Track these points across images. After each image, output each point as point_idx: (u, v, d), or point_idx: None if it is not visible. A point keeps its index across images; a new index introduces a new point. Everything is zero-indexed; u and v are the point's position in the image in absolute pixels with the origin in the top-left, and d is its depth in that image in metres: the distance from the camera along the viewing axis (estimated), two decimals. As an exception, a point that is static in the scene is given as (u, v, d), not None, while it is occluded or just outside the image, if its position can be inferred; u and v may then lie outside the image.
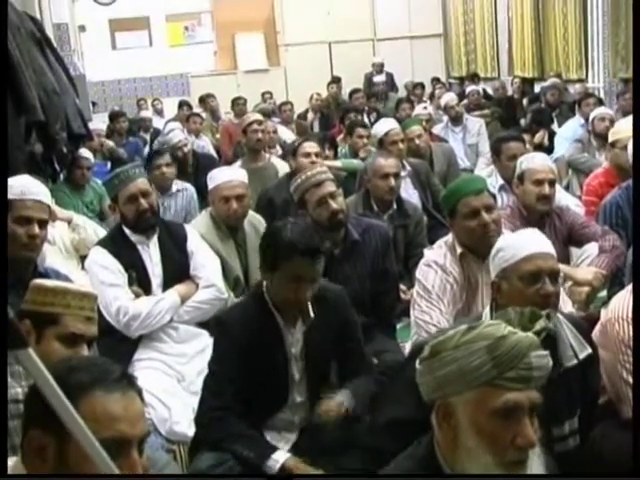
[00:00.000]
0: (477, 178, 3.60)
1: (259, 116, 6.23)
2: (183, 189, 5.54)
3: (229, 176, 4.09)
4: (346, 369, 2.88)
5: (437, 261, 3.14)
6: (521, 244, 2.37)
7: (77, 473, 1.47)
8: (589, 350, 2.30)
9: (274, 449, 2.65)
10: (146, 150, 9.19)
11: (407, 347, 3.37)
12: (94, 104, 11.93)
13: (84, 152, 5.80)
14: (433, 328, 2.95)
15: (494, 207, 3.16)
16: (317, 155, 5.08)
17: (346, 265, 3.57)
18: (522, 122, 9.08)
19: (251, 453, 2.61)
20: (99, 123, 8.47)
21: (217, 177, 4.10)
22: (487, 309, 2.43)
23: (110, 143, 7.88)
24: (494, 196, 3.28)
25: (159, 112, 11.95)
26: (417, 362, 1.76)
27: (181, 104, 10.66)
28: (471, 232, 3.09)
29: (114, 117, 9.17)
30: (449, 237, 3.23)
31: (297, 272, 2.63)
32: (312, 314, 2.71)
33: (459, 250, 3.13)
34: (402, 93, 12.21)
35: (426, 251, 3.33)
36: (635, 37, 4.87)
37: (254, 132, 5.81)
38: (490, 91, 10.96)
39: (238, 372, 2.67)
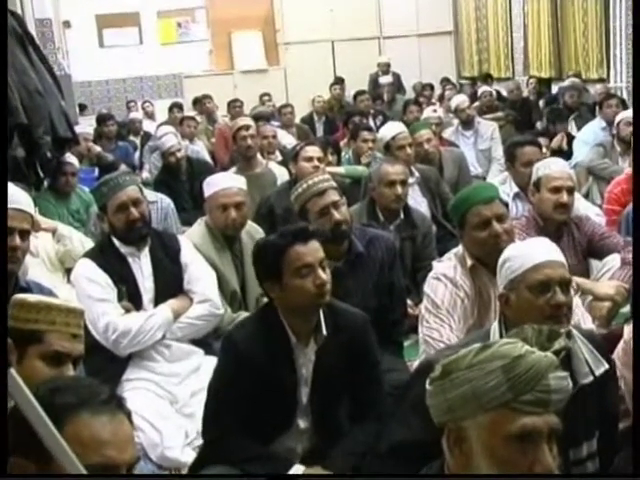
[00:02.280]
0: (488, 185, 3.61)
1: (248, 121, 6.23)
2: (158, 201, 5.38)
3: (227, 183, 4.11)
4: (359, 401, 2.86)
5: (447, 274, 3.15)
6: (528, 253, 2.39)
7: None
8: (606, 366, 2.30)
9: (290, 464, 2.67)
10: (136, 155, 9.23)
11: (415, 366, 3.36)
12: (80, 106, 11.98)
13: (69, 157, 5.80)
14: (442, 345, 2.95)
15: (506, 216, 3.17)
16: (319, 160, 5.10)
17: (350, 279, 3.57)
18: (538, 125, 9.09)
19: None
20: (86, 126, 8.50)
21: (214, 184, 4.11)
22: (495, 323, 2.43)
23: (98, 148, 7.90)
24: (507, 205, 3.28)
25: (150, 115, 11.98)
26: (427, 382, 1.76)
27: (171, 107, 10.66)
28: (482, 243, 3.09)
29: (102, 120, 9.19)
30: (459, 249, 3.24)
31: (303, 261, 2.63)
32: (325, 332, 2.71)
33: (470, 262, 3.14)
34: (410, 95, 12.22)
35: (435, 263, 3.34)
36: (635, 37, 4.95)
37: (243, 139, 5.83)
38: (504, 92, 10.97)
39: (243, 393, 2.67)
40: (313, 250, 2.67)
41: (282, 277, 2.65)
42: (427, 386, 1.76)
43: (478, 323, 3.12)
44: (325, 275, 2.66)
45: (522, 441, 1.62)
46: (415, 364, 3.41)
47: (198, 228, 4.12)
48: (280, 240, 2.70)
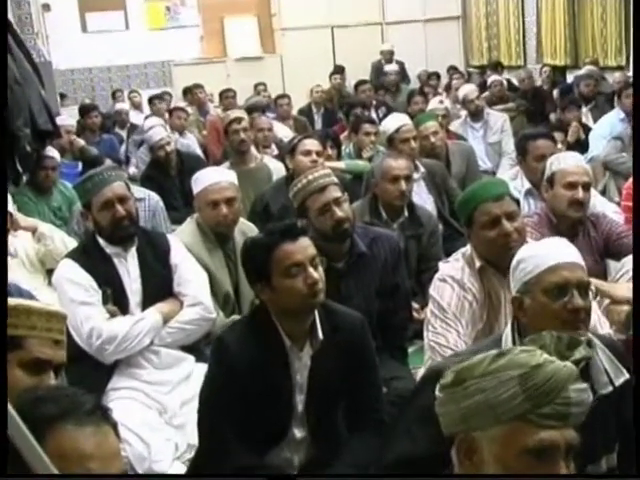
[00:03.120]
0: (497, 181, 3.61)
1: (240, 113, 6.23)
2: (146, 198, 5.37)
3: (217, 177, 4.11)
4: (358, 409, 2.88)
5: (454, 276, 3.16)
6: (544, 254, 2.38)
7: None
8: (626, 376, 2.30)
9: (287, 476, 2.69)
10: (122, 149, 9.23)
11: (420, 373, 3.37)
12: (62, 96, 11.97)
13: (49, 151, 5.80)
14: (449, 352, 2.95)
15: (517, 214, 3.17)
16: (318, 154, 5.09)
17: (351, 280, 3.59)
18: (552, 117, 9.09)
19: None
20: (68, 118, 8.49)
21: (203, 179, 4.11)
22: (508, 328, 2.44)
23: (81, 141, 7.89)
24: (518, 202, 3.28)
25: (137, 105, 11.98)
26: (437, 389, 1.75)
27: (151, 99, 10.59)
28: (491, 243, 3.10)
29: (85, 111, 9.20)
30: (467, 248, 3.25)
31: (292, 260, 2.64)
32: (321, 335, 2.72)
33: (478, 263, 3.15)
34: (414, 85, 12.24)
35: (441, 264, 3.33)
36: (635, 36, 4.99)
37: (235, 132, 5.83)
38: (515, 82, 10.98)
39: (234, 400, 2.69)
40: (302, 248, 2.68)
41: (271, 278, 2.67)
42: (437, 393, 1.76)
43: (487, 328, 3.12)
44: (317, 274, 2.67)
45: (538, 456, 1.61)
46: (420, 372, 3.41)
47: (188, 227, 4.13)
48: (267, 239, 2.72)
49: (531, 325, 2.35)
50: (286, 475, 2.68)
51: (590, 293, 2.40)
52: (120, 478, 1.48)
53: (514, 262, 2.46)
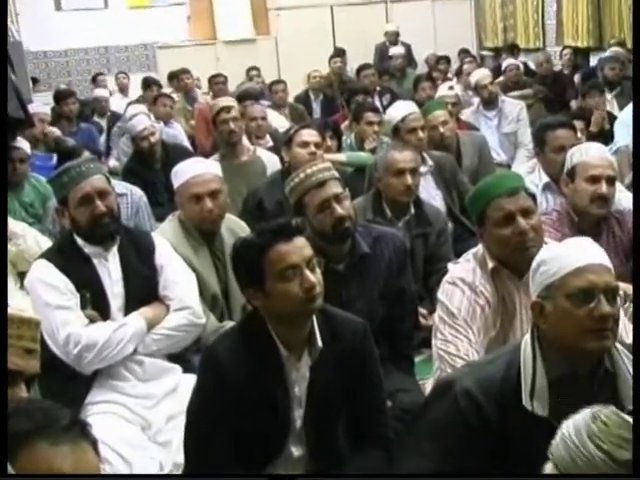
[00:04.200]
0: (512, 175, 3.62)
1: (230, 101, 6.25)
2: (128, 193, 5.38)
3: (199, 169, 4.12)
4: (361, 423, 2.88)
5: (464, 278, 3.17)
6: (568, 255, 2.39)
7: None
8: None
9: None
10: (102, 139, 9.24)
11: (428, 385, 3.39)
12: (34, 81, 11.96)
13: (18, 141, 5.79)
14: (460, 362, 2.97)
15: (534, 211, 3.18)
16: (317, 146, 5.10)
17: (352, 284, 3.60)
18: (573, 104, 9.10)
19: None
20: (42, 105, 8.48)
21: (184, 172, 4.12)
22: (527, 337, 2.45)
23: (56, 131, 7.89)
24: (535, 197, 3.29)
25: (124, 88, 11.97)
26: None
27: (147, 82, 10.65)
28: (504, 242, 3.11)
29: (61, 97, 9.18)
30: (479, 249, 3.26)
31: (287, 262, 2.65)
32: (320, 343, 2.73)
33: (491, 265, 3.16)
34: (422, 69, 12.25)
35: (451, 266, 3.35)
36: (635, 35, 5.02)
37: (224, 122, 5.85)
38: (533, 66, 10.99)
39: (226, 415, 2.69)
40: (298, 248, 2.69)
41: (264, 282, 2.67)
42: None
43: (501, 336, 3.14)
44: (314, 277, 2.68)
45: None
46: (428, 383, 3.43)
47: (170, 225, 4.14)
48: (259, 239, 2.72)
49: (553, 333, 2.36)
50: (286, 475, 2.71)
51: (618, 298, 2.41)
52: (120, 478, 1.49)
53: (534, 264, 2.47)
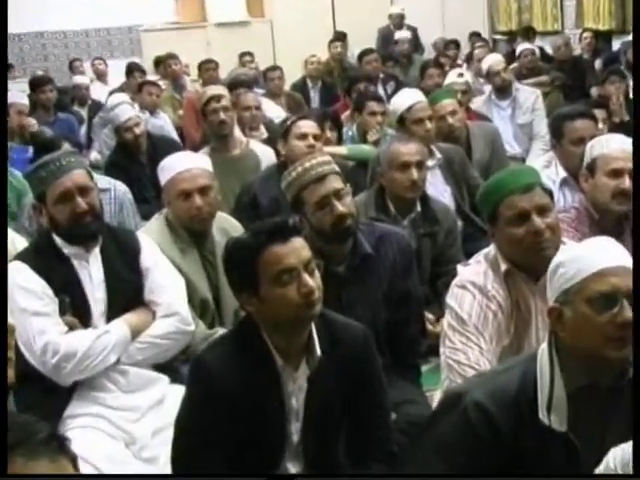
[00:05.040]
0: (526, 170, 3.62)
1: (220, 89, 6.26)
2: (111, 188, 5.36)
3: (187, 164, 4.13)
4: (363, 438, 2.89)
5: (475, 281, 3.17)
6: (589, 256, 2.39)
7: None
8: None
9: None
10: (83, 130, 9.24)
11: (436, 397, 3.40)
12: (8, 66, 11.95)
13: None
14: (470, 371, 2.97)
15: (550, 208, 3.18)
16: (316, 138, 5.11)
17: (354, 287, 3.61)
18: (593, 92, 9.09)
19: None
20: (19, 94, 8.49)
21: (171, 166, 4.13)
22: (544, 345, 2.45)
23: (32, 121, 7.89)
24: (552, 194, 3.29)
25: (101, 75, 11.96)
26: None
27: (131, 69, 10.66)
28: (518, 242, 3.11)
29: (37, 84, 9.19)
30: (491, 249, 3.26)
31: (283, 264, 2.65)
32: (319, 352, 2.74)
33: (504, 267, 3.16)
34: (429, 55, 12.25)
35: (460, 268, 3.35)
36: (635, 36, 5.21)
37: (213, 113, 5.87)
38: (550, 50, 10.99)
39: (217, 430, 2.70)
40: (295, 249, 2.69)
41: (259, 286, 2.68)
42: None
43: (515, 343, 3.14)
44: (313, 281, 2.68)
45: None
46: (435, 394, 3.44)
47: (156, 223, 4.15)
48: (253, 239, 2.72)
49: (572, 341, 2.36)
50: (286, 475, 2.72)
51: None
52: (120, 478, 1.50)
53: (552, 266, 2.47)
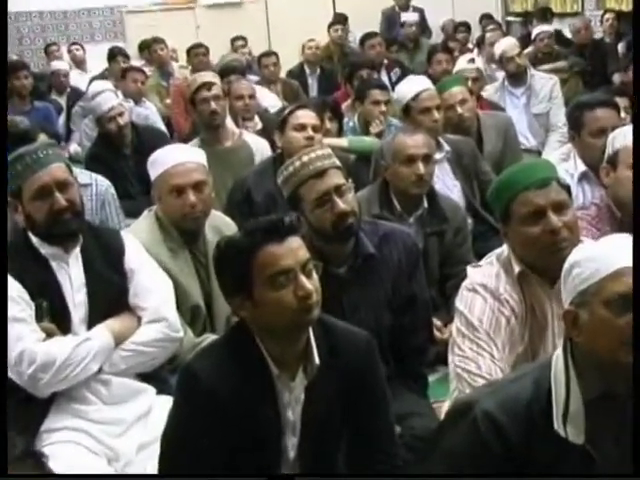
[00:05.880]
0: (542, 164, 3.62)
1: (210, 77, 6.25)
2: (93, 183, 5.33)
3: (180, 157, 4.12)
4: (363, 451, 2.90)
5: (486, 284, 3.17)
6: (606, 255, 2.39)
7: None
8: None
9: None
10: (61, 120, 9.25)
11: (444, 409, 3.40)
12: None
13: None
14: (481, 381, 2.98)
15: (568, 205, 3.18)
16: (314, 129, 5.12)
17: (356, 290, 3.62)
18: (616, 79, 9.09)
19: None
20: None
21: (162, 160, 4.12)
22: (559, 351, 2.46)
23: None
24: (570, 189, 3.29)
25: (79, 63, 11.97)
26: None
27: (114, 54, 10.66)
28: (533, 242, 3.11)
29: (11, 70, 9.15)
30: (503, 250, 3.27)
31: (279, 266, 2.66)
32: (317, 360, 2.75)
33: (517, 269, 3.16)
34: (437, 39, 12.26)
35: (470, 270, 3.35)
36: (635, 36, 5.22)
37: (203, 102, 5.88)
38: (568, 33, 11.00)
39: (207, 443, 2.71)
40: (292, 250, 2.70)
41: (253, 289, 2.68)
42: None
43: (529, 351, 3.14)
44: (310, 283, 2.69)
45: None
46: (443, 406, 3.44)
47: (145, 222, 4.14)
48: (246, 239, 2.73)
49: (588, 346, 2.37)
50: (286, 475, 2.74)
51: None
52: (120, 478, 1.52)
53: (567, 266, 2.47)
